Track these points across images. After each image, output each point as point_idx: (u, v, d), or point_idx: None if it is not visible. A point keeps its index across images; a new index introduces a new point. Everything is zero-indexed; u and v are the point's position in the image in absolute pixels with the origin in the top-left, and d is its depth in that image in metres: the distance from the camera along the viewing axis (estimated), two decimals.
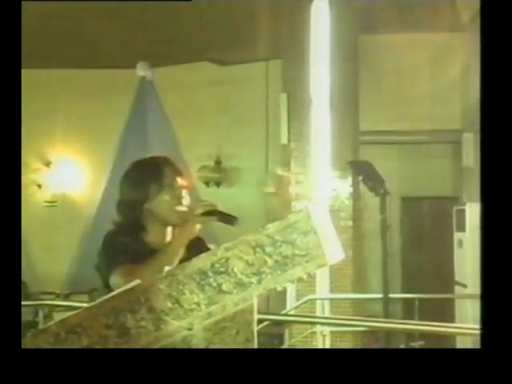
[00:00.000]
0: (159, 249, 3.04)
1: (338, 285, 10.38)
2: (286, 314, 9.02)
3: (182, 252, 2.96)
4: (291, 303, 10.02)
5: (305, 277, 2.29)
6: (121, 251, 3.00)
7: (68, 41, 12.65)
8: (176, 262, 2.89)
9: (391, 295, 7.50)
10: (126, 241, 3.07)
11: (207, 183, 13.81)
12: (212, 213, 2.98)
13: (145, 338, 2.25)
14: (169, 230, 3.21)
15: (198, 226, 3.01)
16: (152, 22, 11.86)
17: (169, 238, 3.19)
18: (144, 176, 3.19)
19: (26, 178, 14.62)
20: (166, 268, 2.74)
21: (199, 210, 2.99)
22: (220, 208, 3.01)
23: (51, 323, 2.28)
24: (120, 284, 2.59)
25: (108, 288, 2.92)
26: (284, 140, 11.24)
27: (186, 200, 3.17)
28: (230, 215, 2.97)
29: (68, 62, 13.66)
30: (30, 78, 14.00)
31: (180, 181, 3.20)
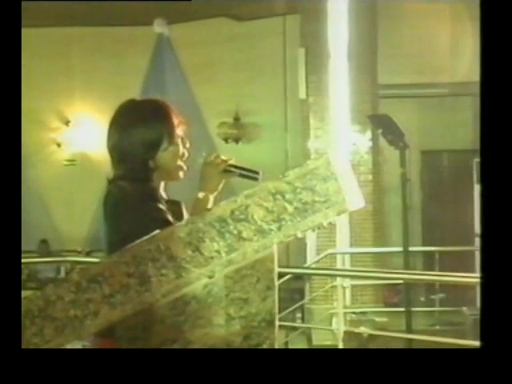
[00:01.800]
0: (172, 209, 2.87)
1: (359, 239, 10.40)
2: (307, 268, 9.06)
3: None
4: (311, 258, 10.05)
5: (325, 223, 2.28)
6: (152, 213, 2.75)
7: None
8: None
9: (411, 248, 7.51)
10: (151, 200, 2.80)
11: (226, 139, 13.81)
12: (233, 168, 2.93)
13: (165, 286, 2.25)
14: (162, 185, 2.95)
15: (222, 183, 2.92)
16: None
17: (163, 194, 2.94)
18: (156, 127, 2.86)
19: (46, 136, 14.68)
20: None
21: (221, 167, 2.89)
22: (235, 162, 2.96)
23: (72, 272, 2.29)
24: None
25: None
26: (302, 95, 11.21)
27: (187, 153, 2.94)
28: (251, 170, 2.95)
29: (86, 19, 13.62)
30: (47, 35, 14.05)
31: (184, 131, 2.94)
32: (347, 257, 10.02)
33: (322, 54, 10.73)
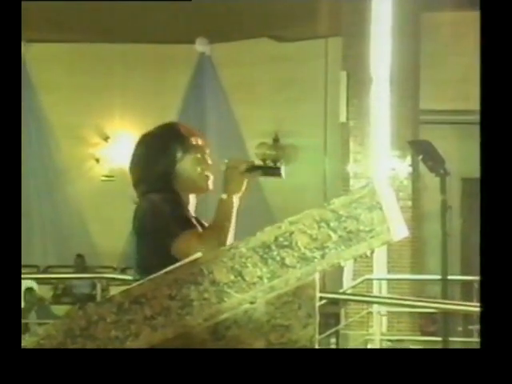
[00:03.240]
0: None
1: (396, 265, 10.31)
2: (344, 293, 9.00)
3: (235, 210, 2.85)
4: (347, 283, 9.98)
5: (369, 253, 2.27)
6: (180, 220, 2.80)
7: (128, 16, 12.71)
8: (233, 219, 2.82)
9: (450, 277, 7.41)
10: (178, 210, 2.86)
11: (264, 160, 13.79)
12: (255, 168, 2.90)
13: (207, 310, 2.25)
14: (192, 197, 3.02)
15: (244, 183, 2.87)
16: None
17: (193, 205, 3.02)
18: (166, 139, 3.00)
19: (85, 152, 14.79)
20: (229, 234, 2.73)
21: (242, 167, 2.85)
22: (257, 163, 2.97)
23: (116, 293, 2.29)
24: (186, 251, 2.49)
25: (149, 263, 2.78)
26: (343, 118, 11.18)
27: (210, 161, 3.02)
28: (272, 167, 2.96)
29: (127, 36, 13.73)
30: (89, 52, 14.18)
31: (201, 141, 3.03)
32: (384, 283, 9.93)
33: (363, 77, 10.71)
